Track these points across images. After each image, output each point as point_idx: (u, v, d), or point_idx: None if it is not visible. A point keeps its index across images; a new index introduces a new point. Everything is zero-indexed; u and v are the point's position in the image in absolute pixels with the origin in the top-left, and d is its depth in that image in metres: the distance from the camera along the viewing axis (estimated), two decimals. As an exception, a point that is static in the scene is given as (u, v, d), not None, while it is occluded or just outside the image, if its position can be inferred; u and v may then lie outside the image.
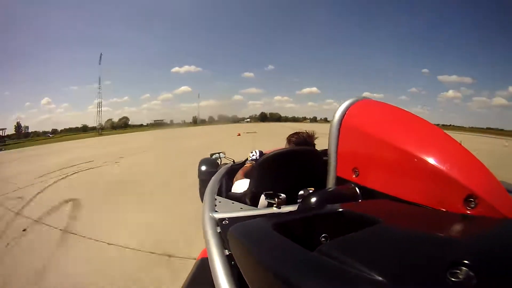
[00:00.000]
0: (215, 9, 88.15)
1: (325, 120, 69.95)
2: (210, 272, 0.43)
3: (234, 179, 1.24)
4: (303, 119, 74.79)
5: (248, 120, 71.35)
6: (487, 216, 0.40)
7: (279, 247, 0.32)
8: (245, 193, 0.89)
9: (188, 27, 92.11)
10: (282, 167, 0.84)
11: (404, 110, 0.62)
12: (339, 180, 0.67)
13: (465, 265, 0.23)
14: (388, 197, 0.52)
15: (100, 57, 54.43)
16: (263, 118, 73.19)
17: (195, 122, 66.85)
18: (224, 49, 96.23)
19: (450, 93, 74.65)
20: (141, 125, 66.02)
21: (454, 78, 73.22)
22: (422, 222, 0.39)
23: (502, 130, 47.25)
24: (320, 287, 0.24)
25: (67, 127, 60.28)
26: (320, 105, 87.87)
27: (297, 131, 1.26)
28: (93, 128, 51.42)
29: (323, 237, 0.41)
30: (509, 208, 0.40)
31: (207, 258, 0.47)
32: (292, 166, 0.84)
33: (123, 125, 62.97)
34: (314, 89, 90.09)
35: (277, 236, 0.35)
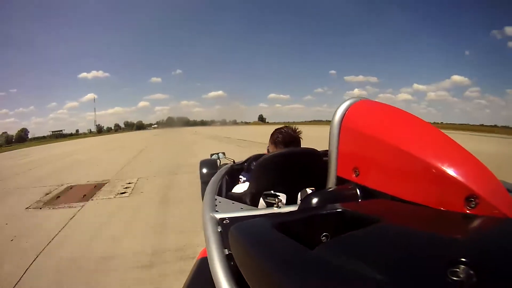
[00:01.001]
0: (125, 11, 75.23)
1: (234, 122, 73.92)
2: (210, 272, 0.43)
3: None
4: (212, 122, 75.69)
5: (156, 126, 67.01)
6: (487, 215, 0.39)
7: (279, 246, 0.33)
8: (245, 193, 0.89)
9: (98, 29, 77.22)
10: (282, 167, 0.84)
11: (404, 110, 0.62)
12: (339, 180, 0.67)
13: (465, 263, 0.23)
14: (388, 197, 0.52)
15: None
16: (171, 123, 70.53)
17: (99, 131, 56.98)
18: (133, 53, 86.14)
19: (356, 91, 78.34)
20: (44, 137, 53.97)
21: (360, 78, 78.89)
22: (422, 221, 0.40)
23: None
24: (320, 286, 0.24)
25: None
26: (226, 108, 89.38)
27: (276, 128, 1.14)
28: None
29: (324, 236, 0.42)
30: (509, 208, 0.40)
31: (207, 257, 0.47)
32: (293, 167, 0.84)
33: (19, 139, 49.55)
34: (220, 92, 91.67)
35: (277, 235, 0.35)
